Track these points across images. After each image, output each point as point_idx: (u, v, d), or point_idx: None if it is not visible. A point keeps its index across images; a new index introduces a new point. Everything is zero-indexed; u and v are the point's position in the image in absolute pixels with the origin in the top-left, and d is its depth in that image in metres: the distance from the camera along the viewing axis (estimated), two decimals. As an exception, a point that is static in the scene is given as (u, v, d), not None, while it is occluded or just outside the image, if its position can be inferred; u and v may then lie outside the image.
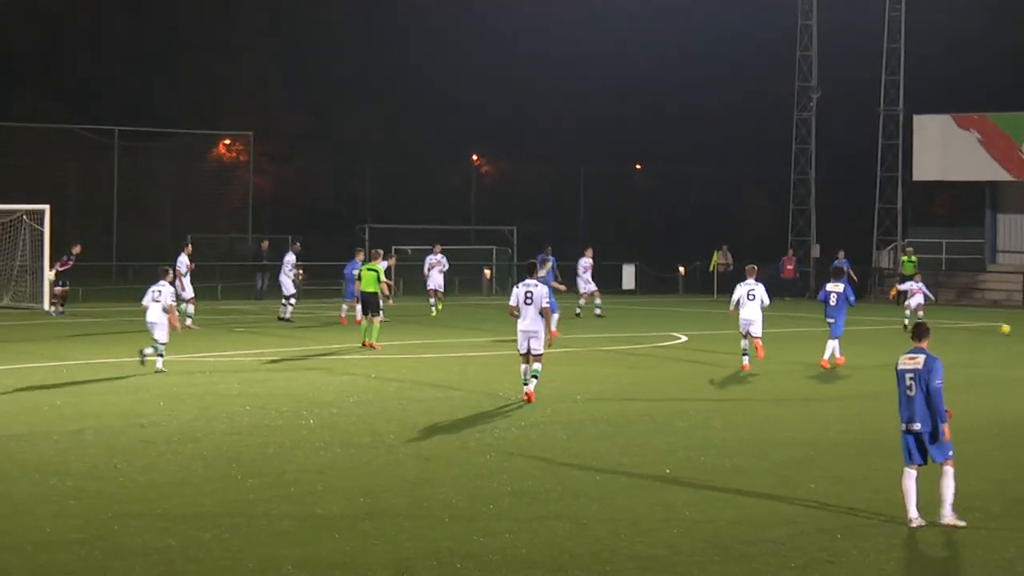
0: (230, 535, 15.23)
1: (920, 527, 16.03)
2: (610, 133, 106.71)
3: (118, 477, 18.41)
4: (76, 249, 50.94)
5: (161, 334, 30.85)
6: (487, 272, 71.58)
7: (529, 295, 26.69)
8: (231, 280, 68.06)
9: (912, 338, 16.81)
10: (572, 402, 26.70)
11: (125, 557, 14.20)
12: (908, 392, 16.21)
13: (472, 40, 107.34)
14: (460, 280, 70.45)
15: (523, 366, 26.97)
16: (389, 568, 13.94)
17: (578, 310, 50.29)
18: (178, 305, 42.32)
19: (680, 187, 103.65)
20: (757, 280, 33.98)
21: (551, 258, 45.62)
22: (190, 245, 46.16)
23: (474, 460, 20.03)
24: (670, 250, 78.72)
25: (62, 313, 49.14)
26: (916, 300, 44.51)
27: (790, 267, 70.65)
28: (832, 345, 33.50)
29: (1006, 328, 42.58)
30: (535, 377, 26.79)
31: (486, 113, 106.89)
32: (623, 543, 15.16)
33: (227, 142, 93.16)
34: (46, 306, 50.33)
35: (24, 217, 54.38)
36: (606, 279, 73.85)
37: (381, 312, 37.82)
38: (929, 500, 16.16)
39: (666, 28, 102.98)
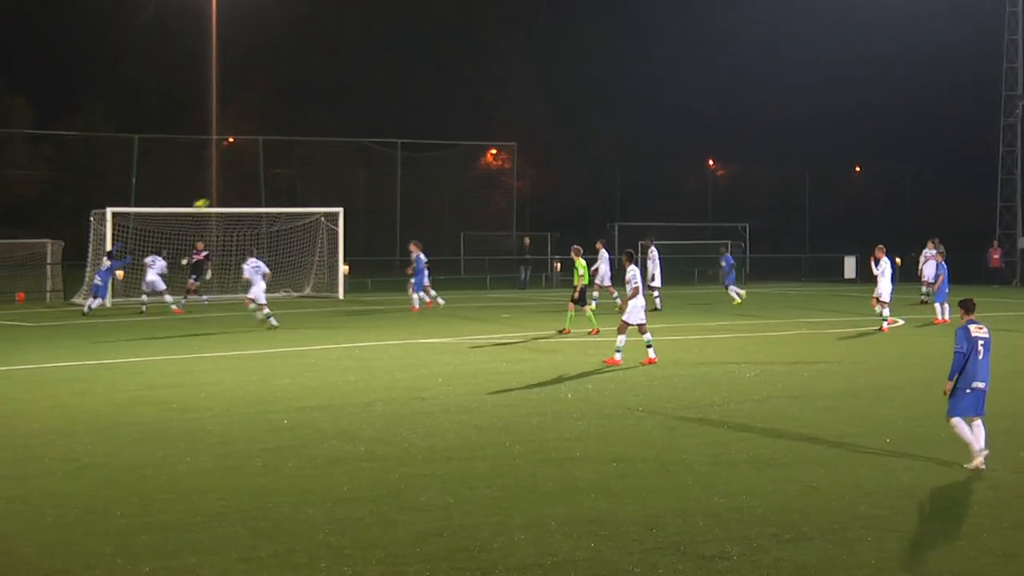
0: (500, 495, 15.34)
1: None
2: (832, 138, 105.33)
3: (403, 443, 18.67)
4: (200, 245, 49.89)
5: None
6: (722, 264, 71.12)
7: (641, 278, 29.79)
8: (498, 272, 68.76)
9: (967, 312, 17.47)
10: (801, 378, 26.36)
11: (410, 512, 14.39)
12: (978, 356, 16.88)
13: (707, 58, 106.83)
14: (698, 271, 70.13)
15: (622, 336, 28.67)
16: (639, 524, 13.90)
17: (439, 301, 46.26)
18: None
19: (896, 186, 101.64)
20: (888, 257, 38.75)
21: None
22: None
23: (714, 430, 19.87)
24: (886, 243, 77.23)
25: (184, 304, 47.43)
26: None
27: (996, 257, 68.88)
28: None
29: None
30: (650, 346, 29.05)
31: (720, 123, 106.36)
32: (848, 504, 14.89)
33: (493, 151, 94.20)
34: (341, 295, 51.39)
35: (322, 219, 55.66)
36: (831, 269, 72.90)
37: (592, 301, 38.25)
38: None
39: (885, 46, 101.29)
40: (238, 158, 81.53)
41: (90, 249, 50.00)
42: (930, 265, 48.47)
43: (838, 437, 19.21)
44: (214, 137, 67.59)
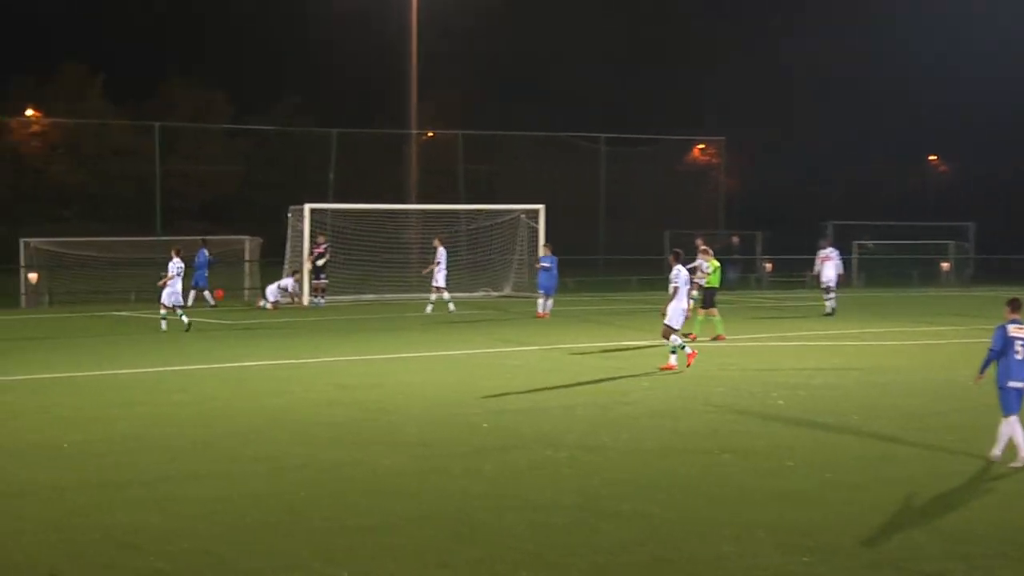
0: (705, 503, 15.25)
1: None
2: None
3: (605, 449, 18.69)
4: (320, 239, 49.66)
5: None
6: (944, 265, 69.79)
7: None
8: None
9: (1014, 311, 17.78)
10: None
11: (612, 520, 14.40)
12: (1016, 355, 17.39)
13: (930, 50, 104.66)
14: (919, 273, 68.83)
15: (675, 337, 28.46)
16: (854, 537, 13.64)
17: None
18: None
19: None
20: None
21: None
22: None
23: (934, 441, 19.41)
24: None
25: (321, 305, 48.22)
26: None
27: None
28: None
29: None
30: (674, 352, 28.45)
31: (943, 115, 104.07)
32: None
33: (701, 147, 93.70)
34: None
35: (522, 216, 55.88)
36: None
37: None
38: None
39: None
40: (437, 153, 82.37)
41: (288, 246, 50.97)
42: None
43: (940, 446, 18.81)
44: (413, 132, 68.40)
